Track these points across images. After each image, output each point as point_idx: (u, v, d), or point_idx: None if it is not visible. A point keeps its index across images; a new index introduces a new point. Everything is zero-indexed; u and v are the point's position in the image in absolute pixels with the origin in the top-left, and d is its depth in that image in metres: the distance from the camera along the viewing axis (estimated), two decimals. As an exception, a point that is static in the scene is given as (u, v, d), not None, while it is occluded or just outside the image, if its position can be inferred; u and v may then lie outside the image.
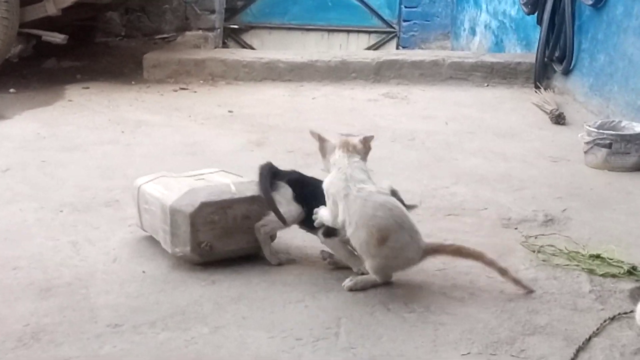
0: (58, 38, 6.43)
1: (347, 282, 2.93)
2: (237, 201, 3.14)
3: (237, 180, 3.27)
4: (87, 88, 6.33)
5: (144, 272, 3.05)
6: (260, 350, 2.51)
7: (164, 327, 2.64)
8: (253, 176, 3.19)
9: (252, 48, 9.20)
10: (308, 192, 3.08)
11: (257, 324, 2.67)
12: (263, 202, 3.13)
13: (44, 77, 6.70)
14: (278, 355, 2.48)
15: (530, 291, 2.92)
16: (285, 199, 3.09)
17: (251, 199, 3.16)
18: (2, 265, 3.08)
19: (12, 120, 5.33)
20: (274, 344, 2.55)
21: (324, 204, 2.95)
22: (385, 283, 2.95)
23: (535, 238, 3.44)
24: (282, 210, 3.06)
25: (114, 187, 3.90)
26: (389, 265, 2.90)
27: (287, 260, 3.15)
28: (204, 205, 3.07)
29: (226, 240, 3.13)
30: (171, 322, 2.67)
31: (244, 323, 2.68)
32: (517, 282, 2.93)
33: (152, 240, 3.22)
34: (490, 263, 2.95)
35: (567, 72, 6.24)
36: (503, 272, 2.93)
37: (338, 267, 3.08)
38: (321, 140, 3.02)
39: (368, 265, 2.90)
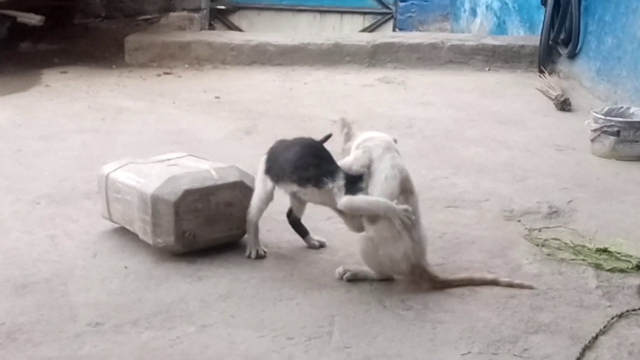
0: (34, 19, 6.39)
1: (347, 275, 2.95)
2: (219, 187, 3.16)
3: (215, 165, 3.28)
4: (65, 73, 6.30)
5: (126, 267, 3.05)
6: (249, 350, 2.51)
7: (147, 326, 2.63)
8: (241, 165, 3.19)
9: (240, 30, 9.16)
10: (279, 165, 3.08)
11: (246, 323, 2.67)
12: (245, 188, 3.18)
13: (20, 61, 6.67)
14: (268, 356, 2.48)
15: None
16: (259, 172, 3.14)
17: (233, 185, 3.18)
18: (-25, 260, 3.07)
19: (-14, 107, 5.31)
20: (264, 343, 2.55)
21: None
22: (384, 279, 2.96)
23: (539, 231, 3.45)
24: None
25: (93, 178, 3.88)
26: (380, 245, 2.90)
27: (259, 256, 3.15)
28: (187, 193, 3.07)
29: (209, 229, 3.14)
30: (155, 320, 2.67)
31: (232, 321, 2.68)
32: (517, 285, 2.94)
33: (134, 234, 3.21)
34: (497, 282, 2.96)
35: (572, 56, 6.25)
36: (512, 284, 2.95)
37: (357, 279, 3.01)
38: (348, 126, 3.09)
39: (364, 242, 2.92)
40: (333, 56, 6.78)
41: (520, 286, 2.93)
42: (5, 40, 7.11)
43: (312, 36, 7.14)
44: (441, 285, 2.92)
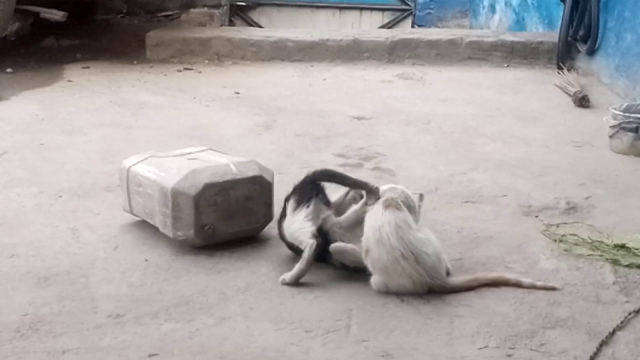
0: (57, 15, 6.43)
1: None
2: (239, 182, 3.16)
3: (234, 159, 3.28)
4: (87, 68, 6.34)
5: (146, 260, 3.06)
6: (267, 343, 2.51)
7: (167, 318, 2.65)
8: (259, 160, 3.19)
9: (259, 26, 9.18)
10: None
11: (264, 316, 2.67)
12: (264, 183, 3.18)
13: (43, 56, 6.71)
14: (286, 348, 2.49)
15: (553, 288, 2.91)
16: None
17: (252, 179, 3.19)
18: (-2, 252, 3.10)
19: (9, 102, 5.35)
20: (282, 336, 2.55)
21: None
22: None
23: (557, 227, 3.43)
24: None
25: (114, 172, 3.90)
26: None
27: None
28: (207, 187, 3.08)
29: (228, 222, 3.15)
30: (175, 312, 2.68)
31: (250, 314, 2.68)
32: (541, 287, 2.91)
33: (155, 227, 3.22)
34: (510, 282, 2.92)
35: (591, 52, 6.20)
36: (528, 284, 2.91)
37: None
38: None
39: None
40: (352, 52, 6.77)
41: (544, 288, 2.88)
42: (29, 36, 7.17)
43: (331, 32, 7.14)
44: (465, 289, 2.88)
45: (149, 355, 2.43)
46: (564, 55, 6.50)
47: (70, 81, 5.94)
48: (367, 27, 9.42)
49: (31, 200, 3.62)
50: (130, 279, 2.91)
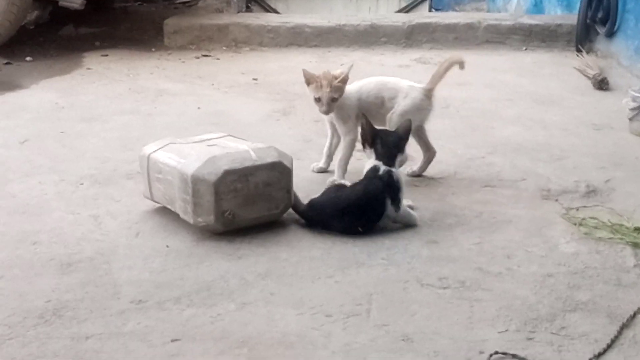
0: (75, 3, 6.45)
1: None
2: (258, 168, 3.17)
3: (253, 146, 3.29)
4: (106, 56, 6.36)
5: (167, 246, 3.08)
6: (288, 327, 2.52)
7: (189, 303, 2.66)
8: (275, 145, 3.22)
9: (276, 12, 9.15)
10: None
11: (285, 300, 2.69)
12: (283, 169, 3.20)
13: (62, 44, 6.74)
14: (307, 333, 2.50)
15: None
16: None
17: (272, 165, 3.20)
18: (21, 239, 3.12)
19: (30, 90, 5.38)
20: (303, 320, 2.56)
21: None
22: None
23: (577, 210, 3.42)
24: None
25: (135, 159, 3.91)
26: None
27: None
28: (227, 173, 3.09)
29: (248, 208, 3.16)
30: (196, 298, 2.70)
31: (271, 299, 2.70)
32: None
33: (175, 214, 3.24)
34: None
35: (610, 35, 6.15)
36: None
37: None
38: None
39: None
40: (369, 37, 6.75)
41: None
42: (47, 24, 7.20)
43: (348, 17, 7.12)
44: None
45: (172, 341, 2.45)
46: (582, 37, 6.45)
47: (89, 69, 5.96)
48: (384, 11, 9.37)
49: (53, 188, 3.65)
50: (152, 265, 2.93)
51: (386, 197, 3.19)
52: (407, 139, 3.33)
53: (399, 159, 3.28)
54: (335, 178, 3.61)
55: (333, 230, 3.17)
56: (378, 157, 3.25)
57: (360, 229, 3.15)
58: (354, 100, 3.65)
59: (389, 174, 3.22)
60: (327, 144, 3.86)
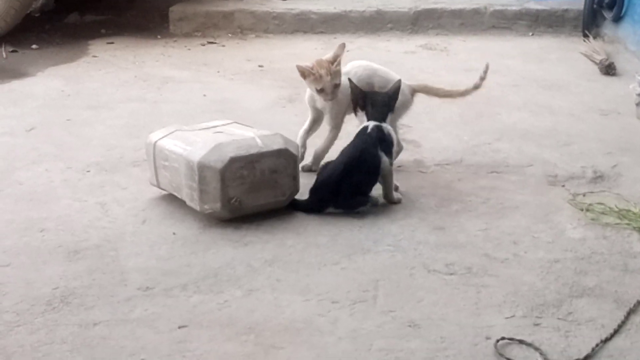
0: (81, -9, 6.43)
1: None
2: (264, 155, 3.17)
3: (259, 133, 3.29)
4: (112, 43, 6.35)
5: (174, 233, 3.08)
6: (295, 314, 2.53)
7: (195, 290, 2.67)
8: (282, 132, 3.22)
9: (282, -1, 9.12)
10: None
11: (291, 287, 2.69)
12: (289, 156, 3.20)
13: (67, 32, 6.72)
14: (314, 319, 2.50)
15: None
16: None
17: (278, 152, 3.20)
18: (29, 227, 3.13)
19: (36, 78, 5.38)
20: (310, 307, 2.57)
21: None
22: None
23: (584, 196, 3.41)
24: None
25: (141, 146, 3.92)
26: None
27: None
28: (233, 161, 3.09)
29: (255, 195, 3.17)
30: (203, 284, 2.70)
31: (278, 286, 2.70)
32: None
33: (182, 201, 3.24)
34: None
35: (617, 19, 6.12)
36: None
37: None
38: None
39: None
40: (375, 23, 6.72)
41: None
42: (53, 12, 7.18)
43: (353, 3, 7.07)
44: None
45: (179, 327, 2.46)
46: (589, 22, 6.41)
47: (95, 57, 5.95)
48: (390, -3, 9.33)
49: (59, 176, 3.65)
50: (159, 252, 2.94)
51: (379, 149, 3.23)
52: (396, 98, 3.36)
53: (389, 117, 3.34)
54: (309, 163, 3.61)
55: (341, 207, 3.19)
56: (369, 118, 3.30)
57: (364, 198, 3.23)
58: (345, 87, 3.47)
59: (379, 128, 3.26)
60: (305, 130, 3.68)
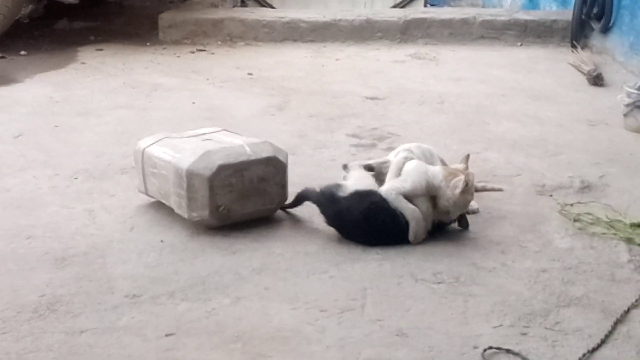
0: (70, -3, 6.42)
1: None
2: (253, 163, 3.17)
3: (248, 140, 3.29)
4: (101, 50, 6.34)
5: (162, 241, 3.07)
6: (283, 322, 2.52)
7: (183, 298, 2.66)
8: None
9: (271, 7, 9.11)
10: None
11: (279, 295, 2.69)
12: (278, 164, 3.20)
13: (56, 38, 6.72)
14: (301, 327, 2.50)
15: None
16: None
17: (266, 160, 3.20)
18: (16, 234, 3.12)
19: (24, 84, 5.36)
20: (298, 315, 2.57)
21: None
22: None
23: (572, 206, 3.42)
24: None
25: (129, 153, 3.91)
26: None
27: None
28: (221, 168, 3.09)
29: (243, 203, 3.16)
30: (191, 292, 2.70)
31: (266, 294, 2.70)
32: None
33: (170, 208, 3.23)
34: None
35: (605, 30, 6.16)
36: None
37: None
38: None
39: None
40: (364, 32, 6.75)
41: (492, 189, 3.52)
42: (42, 18, 7.18)
43: (343, 12, 7.11)
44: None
45: (166, 335, 2.45)
46: (577, 33, 6.46)
47: (84, 63, 5.94)
48: (380, 7, 9.34)
49: (47, 182, 3.64)
50: (147, 260, 2.93)
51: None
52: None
53: None
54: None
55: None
56: None
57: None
58: None
59: None
60: None
